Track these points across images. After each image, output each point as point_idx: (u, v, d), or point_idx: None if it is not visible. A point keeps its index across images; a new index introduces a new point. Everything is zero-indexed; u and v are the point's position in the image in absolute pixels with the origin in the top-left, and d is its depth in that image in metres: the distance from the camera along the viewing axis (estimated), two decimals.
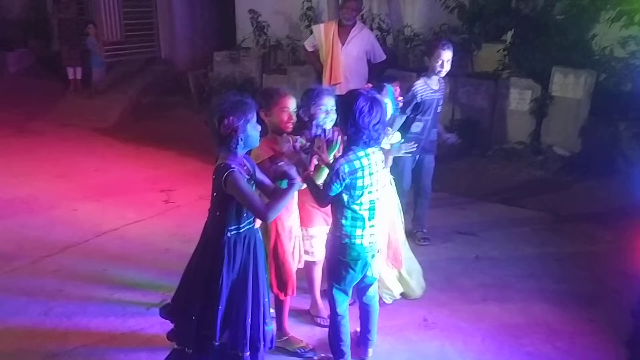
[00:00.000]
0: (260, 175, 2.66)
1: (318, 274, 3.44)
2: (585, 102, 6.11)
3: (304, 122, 3.14)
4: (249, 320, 2.61)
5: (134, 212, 5.11)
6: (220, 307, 2.57)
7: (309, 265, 3.36)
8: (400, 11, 7.61)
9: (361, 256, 2.83)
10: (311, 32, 5.93)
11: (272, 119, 2.99)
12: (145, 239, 4.59)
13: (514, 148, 6.43)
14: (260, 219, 2.60)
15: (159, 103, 8.92)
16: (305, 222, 3.25)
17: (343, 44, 5.27)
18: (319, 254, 3.33)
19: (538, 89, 6.35)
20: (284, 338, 3.20)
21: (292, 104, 3.00)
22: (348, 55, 5.26)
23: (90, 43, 8.83)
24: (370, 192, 2.77)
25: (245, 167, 2.56)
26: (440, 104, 4.36)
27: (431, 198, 4.66)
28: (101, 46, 9.03)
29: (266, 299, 2.74)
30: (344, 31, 5.30)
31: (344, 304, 2.94)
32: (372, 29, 6.86)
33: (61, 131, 7.78)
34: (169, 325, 3.41)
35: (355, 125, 2.66)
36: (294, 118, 3.01)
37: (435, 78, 4.25)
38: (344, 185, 2.70)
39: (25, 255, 4.27)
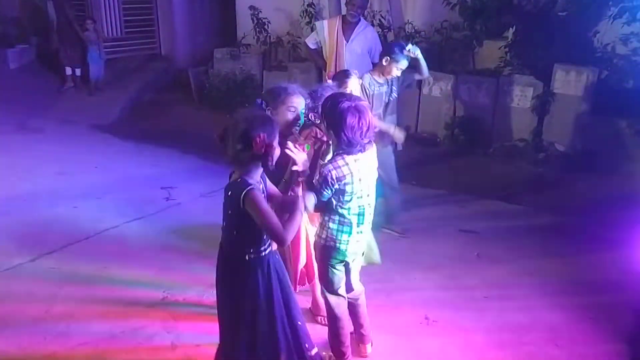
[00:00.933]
0: (269, 185, 2.56)
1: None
2: (587, 100, 6.10)
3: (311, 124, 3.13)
4: (284, 347, 2.49)
5: (135, 209, 5.10)
6: (243, 340, 2.45)
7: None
8: (401, 8, 7.58)
9: (345, 259, 2.85)
10: (312, 29, 5.90)
11: (277, 118, 2.85)
12: (146, 237, 4.58)
13: (515, 145, 6.42)
14: (278, 243, 2.40)
15: (159, 100, 8.90)
16: (310, 219, 3.23)
17: (347, 41, 5.25)
18: None
19: (540, 86, 6.33)
20: None
21: (299, 103, 2.91)
22: (352, 52, 5.24)
23: (89, 38, 8.77)
24: (359, 198, 2.74)
25: (260, 184, 2.44)
26: (390, 96, 4.35)
27: (400, 190, 4.59)
28: (101, 41, 8.97)
29: (299, 322, 2.61)
30: (348, 28, 5.27)
31: (340, 306, 2.93)
32: (372, 26, 6.83)
33: (61, 128, 7.76)
34: (170, 321, 3.43)
35: (342, 132, 2.61)
36: (301, 118, 2.92)
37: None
38: (333, 190, 2.68)
39: (26, 252, 4.26)
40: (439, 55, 7.17)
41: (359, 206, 2.76)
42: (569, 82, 6.16)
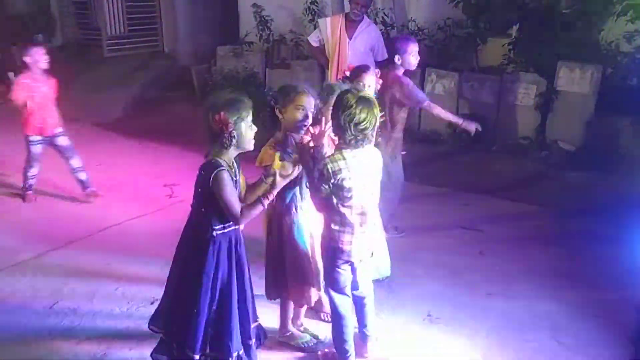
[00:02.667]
0: (238, 183, 2.63)
1: (322, 270, 3.43)
2: (591, 97, 6.09)
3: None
4: (235, 325, 2.60)
5: (138, 206, 5.12)
6: (200, 316, 2.54)
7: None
8: (404, 5, 7.57)
9: (350, 260, 2.81)
10: (315, 27, 5.90)
11: (286, 117, 2.88)
12: (149, 233, 4.59)
13: (519, 143, 6.42)
14: (235, 222, 2.55)
15: (162, 98, 8.91)
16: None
17: (350, 39, 5.24)
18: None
19: (543, 84, 6.32)
20: (288, 333, 3.20)
21: (309, 102, 2.88)
22: (355, 50, 5.24)
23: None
24: (361, 197, 2.70)
25: (233, 170, 2.53)
26: None
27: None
28: None
29: (251, 298, 2.73)
30: (351, 26, 5.27)
31: (344, 305, 2.92)
32: (376, 23, 6.83)
33: (64, 126, 7.76)
34: None
35: (341, 125, 2.61)
36: (310, 118, 2.90)
37: None
38: (330, 185, 2.65)
39: (30, 249, 4.27)
40: (442, 53, 7.17)
41: (362, 206, 2.73)
42: (573, 79, 6.15)
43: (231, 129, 2.43)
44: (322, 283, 3.43)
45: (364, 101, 2.62)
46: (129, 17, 9.98)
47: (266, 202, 2.57)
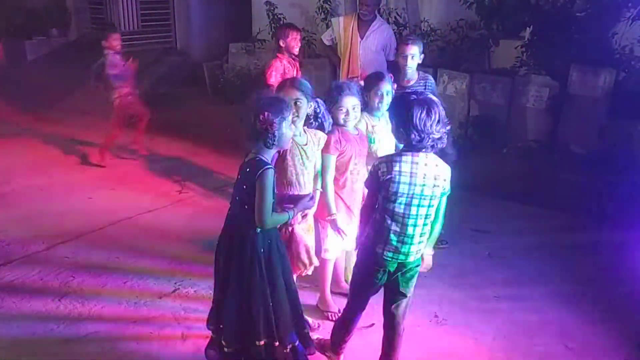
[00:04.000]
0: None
1: (330, 272, 3.44)
2: (604, 101, 6.04)
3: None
4: (286, 315, 2.71)
5: (148, 201, 5.15)
6: (271, 304, 2.65)
7: (322, 262, 3.36)
8: (417, 6, 7.55)
9: (384, 266, 2.63)
10: (328, 26, 5.90)
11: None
12: (159, 229, 4.62)
13: (529, 146, 6.38)
14: (258, 222, 2.55)
15: (174, 94, 8.95)
16: (322, 214, 3.25)
17: (362, 38, 5.24)
18: (333, 252, 3.35)
19: (556, 87, 6.28)
20: None
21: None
22: (366, 49, 5.24)
23: None
24: (406, 205, 2.52)
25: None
26: None
27: None
28: None
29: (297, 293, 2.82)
30: (363, 25, 5.27)
31: (360, 310, 2.87)
32: (388, 23, 6.82)
33: (77, 120, 7.84)
34: (180, 313, 3.46)
35: (400, 127, 2.49)
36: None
37: None
38: (378, 184, 2.55)
39: (41, 241, 4.32)
40: (455, 54, 7.14)
41: (404, 214, 2.54)
42: (586, 83, 6.11)
43: (275, 129, 2.51)
44: (329, 284, 3.47)
45: (428, 102, 2.48)
46: (142, 13, 10.04)
47: (291, 214, 2.72)
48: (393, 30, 6.25)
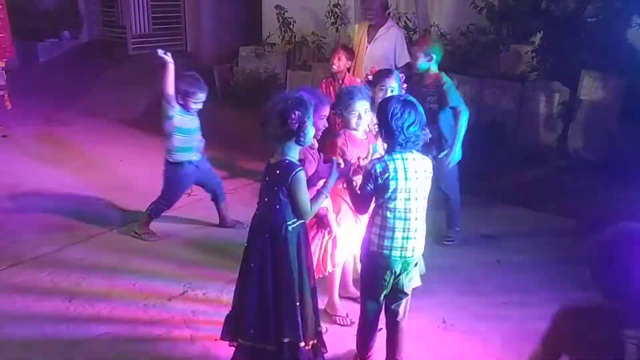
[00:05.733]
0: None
1: (338, 276, 3.45)
2: (614, 107, 6.01)
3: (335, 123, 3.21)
4: (311, 313, 2.78)
5: None
6: (298, 302, 2.71)
7: None
8: (427, 10, 7.55)
9: (390, 267, 2.71)
10: (337, 30, 5.89)
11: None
12: (168, 231, 4.64)
13: (539, 151, 6.35)
14: (303, 217, 2.71)
15: None
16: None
17: (369, 43, 5.26)
18: (341, 256, 3.35)
19: (566, 92, 6.25)
20: None
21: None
22: (371, 54, 5.23)
23: None
24: (406, 200, 2.65)
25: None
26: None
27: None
28: None
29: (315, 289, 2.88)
30: (372, 30, 5.28)
31: (375, 313, 2.90)
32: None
33: (88, 122, 7.90)
34: (189, 315, 3.47)
35: (388, 129, 2.63)
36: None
37: None
38: (376, 186, 2.64)
39: (51, 242, 4.35)
40: (464, 59, 7.13)
41: (405, 209, 2.66)
42: (597, 88, 6.08)
43: (305, 128, 2.58)
44: (337, 291, 3.47)
45: (408, 104, 2.65)
46: (154, 16, 10.11)
47: (327, 193, 2.78)
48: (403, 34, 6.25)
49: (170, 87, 4.19)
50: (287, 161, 2.61)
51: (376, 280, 2.77)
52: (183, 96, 4.24)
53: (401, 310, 2.88)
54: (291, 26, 8.43)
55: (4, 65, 7.26)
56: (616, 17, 6.19)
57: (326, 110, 3.15)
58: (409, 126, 2.60)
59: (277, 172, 2.61)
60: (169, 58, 4.13)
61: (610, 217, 4.93)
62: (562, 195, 5.56)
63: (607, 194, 5.38)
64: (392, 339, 2.94)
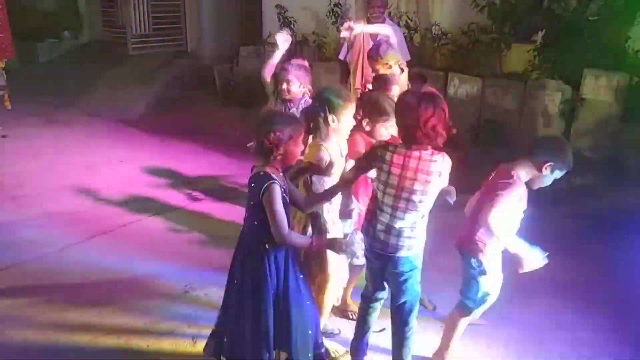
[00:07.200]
0: (293, 189, 2.65)
1: (356, 275, 3.42)
2: (617, 106, 5.99)
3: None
4: (297, 337, 2.61)
5: (158, 203, 5.16)
6: (268, 325, 2.55)
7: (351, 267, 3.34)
8: (428, 9, 7.53)
9: (371, 256, 2.76)
10: (338, 29, 5.87)
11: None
12: (169, 231, 4.63)
13: None
14: (277, 240, 2.47)
15: (184, 96, 8.98)
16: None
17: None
18: (363, 259, 3.33)
19: (568, 91, 6.23)
20: None
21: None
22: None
23: None
24: (390, 197, 2.59)
25: (284, 181, 2.54)
26: None
27: None
28: None
29: (310, 311, 2.69)
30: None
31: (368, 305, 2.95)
32: (399, 26, 6.80)
33: (88, 122, 7.90)
34: (189, 316, 3.46)
35: (408, 126, 2.53)
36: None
37: None
38: (370, 166, 2.64)
39: (53, 243, 4.34)
40: (466, 58, 7.11)
41: (391, 207, 2.60)
42: (599, 87, 6.05)
43: (281, 149, 2.46)
44: (350, 290, 3.45)
45: (429, 98, 2.52)
46: (154, 16, 10.10)
47: (314, 242, 2.59)
48: (403, 33, 6.22)
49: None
50: (261, 173, 2.46)
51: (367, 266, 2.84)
52: None
53: (402, 311, 2.85)
54: (292, 25, 8.41)
55: (4, 65, 7.26)
56: (618, 16, 6.17)
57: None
58: (429, 120, 2.47)
59: (252, 184, 2.49)
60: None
61: (614, 216, 4.94)
62: (564, 195, 5.53)
63: (610, 192, 5.37)
64: (394, 339, 2.91)
